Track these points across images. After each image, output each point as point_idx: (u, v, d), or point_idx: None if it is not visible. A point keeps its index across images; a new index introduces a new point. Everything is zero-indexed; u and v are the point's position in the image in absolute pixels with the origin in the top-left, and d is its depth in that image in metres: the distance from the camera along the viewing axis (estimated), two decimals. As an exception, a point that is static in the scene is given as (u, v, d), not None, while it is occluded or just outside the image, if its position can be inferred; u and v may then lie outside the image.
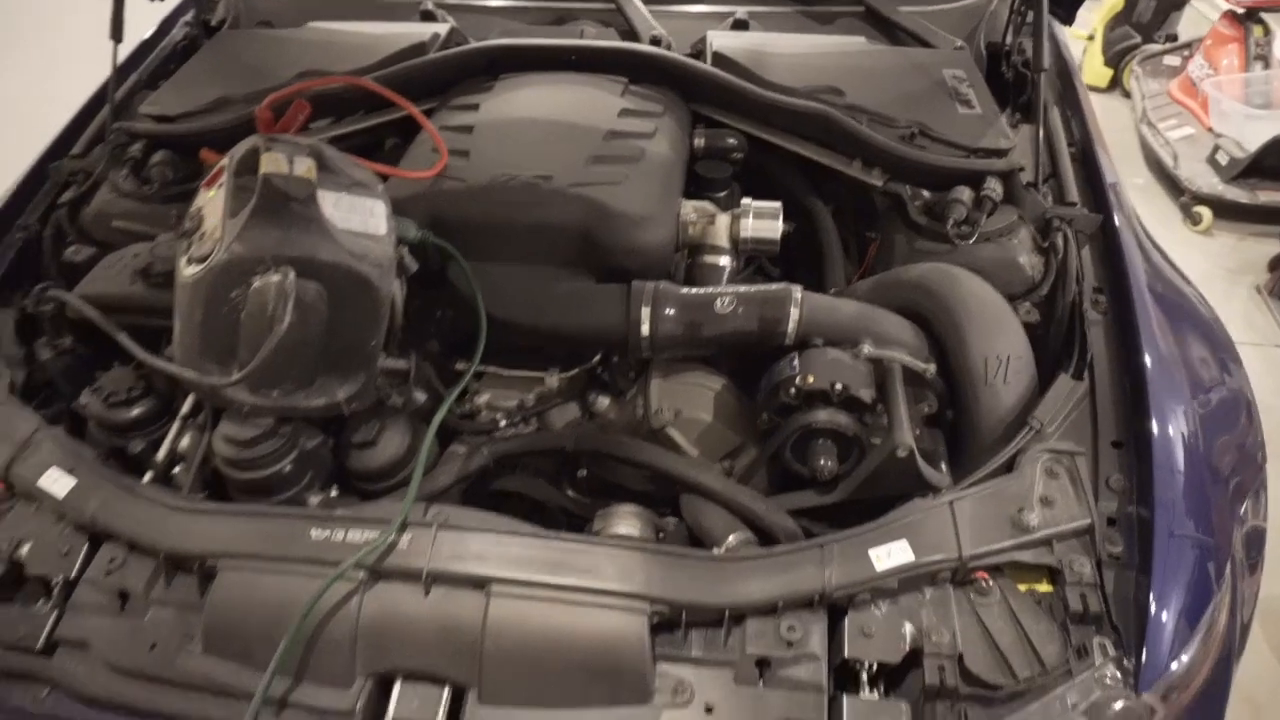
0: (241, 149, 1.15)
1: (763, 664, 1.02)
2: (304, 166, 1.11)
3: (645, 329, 1.29)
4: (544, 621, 1.02)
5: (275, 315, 1.07)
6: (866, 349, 1.27)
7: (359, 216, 1.17)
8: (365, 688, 1.02)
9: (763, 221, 1.43)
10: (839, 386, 1.23)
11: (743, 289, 1.32)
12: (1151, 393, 1.18)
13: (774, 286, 1.32)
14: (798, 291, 1.31)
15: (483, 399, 1.43)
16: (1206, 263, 3.33)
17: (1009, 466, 1.17)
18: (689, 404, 1.36)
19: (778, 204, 1.45)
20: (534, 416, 1.42)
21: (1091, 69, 4.55)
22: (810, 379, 1.23)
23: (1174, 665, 1.04)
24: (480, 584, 1.03)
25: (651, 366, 1.40)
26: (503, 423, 1.39)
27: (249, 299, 1.07)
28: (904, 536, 1.08)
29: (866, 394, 1.24)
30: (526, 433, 1.41)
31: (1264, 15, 3.75)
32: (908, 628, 1.04)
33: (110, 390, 1.29)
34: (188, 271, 1.09)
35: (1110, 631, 1.05)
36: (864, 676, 1.03)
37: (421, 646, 1.02)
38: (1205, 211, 3.44)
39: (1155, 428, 1.16)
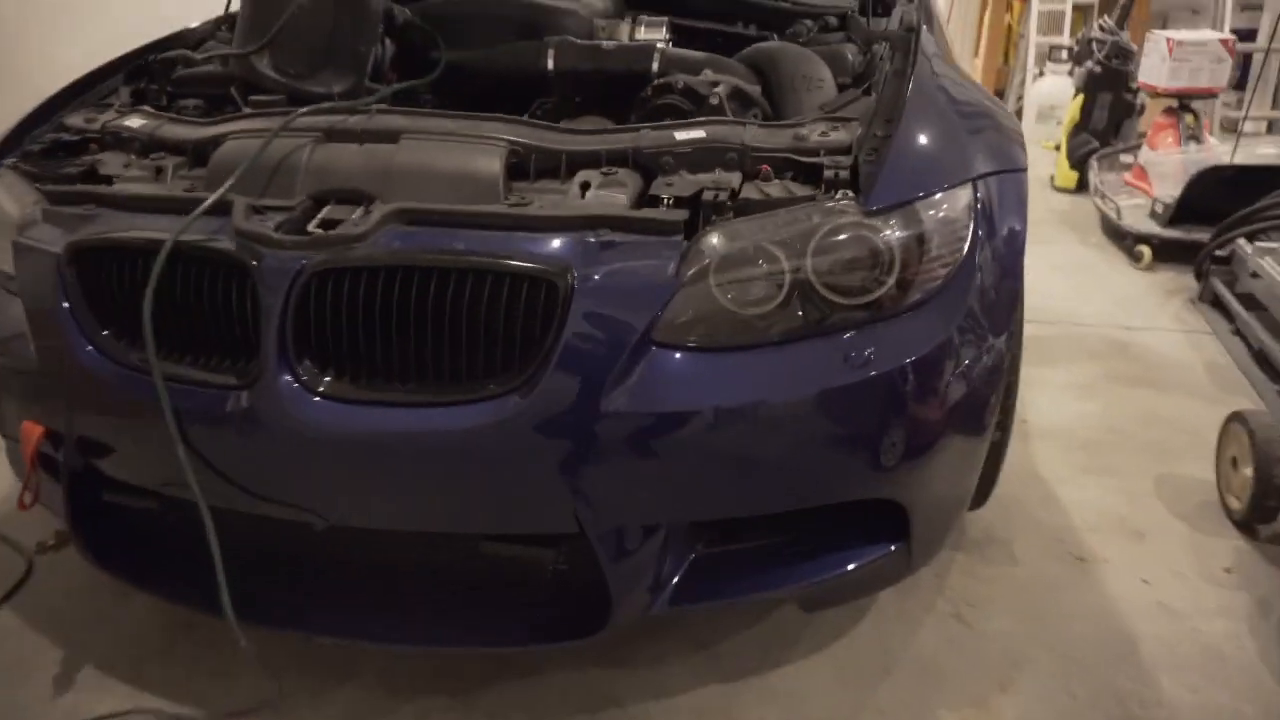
0: None
1: (585, 187, 1.41)
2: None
3: (551, 64, 1.81)
4: (432, 154, 1.44)
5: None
6: (707, 72, 1.74)
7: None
8: (304, 202, 1.43)
9: (652, 31, 1.96)
10: (680, 84, 1.69)
11: (621, 43, 1.83)
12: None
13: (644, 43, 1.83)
14: (660, 45, 1.81)
15: None
16: (1147, 286, 3.66)
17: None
18: None
19: (664, 18, 1.98)
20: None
21: (1061, 174, 5.11)
22: (661, 79, 1.71)
23: (898, 206, 1.38)
24: (394, 136, 1.47)
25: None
26: None
27: None
28: (704, 129, 1.49)
29: (701, 88, 1.68)
30: None
31: (1193, 104, 4.32)
32: (699, 181, 1.43)
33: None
34: None
35: (853, 189, 1.41)
36: (663, 205, 1.40)
37: (349, 176, 1.44)
38: (1145, 250, 3.82)
39: (910, 90, 1.57)
